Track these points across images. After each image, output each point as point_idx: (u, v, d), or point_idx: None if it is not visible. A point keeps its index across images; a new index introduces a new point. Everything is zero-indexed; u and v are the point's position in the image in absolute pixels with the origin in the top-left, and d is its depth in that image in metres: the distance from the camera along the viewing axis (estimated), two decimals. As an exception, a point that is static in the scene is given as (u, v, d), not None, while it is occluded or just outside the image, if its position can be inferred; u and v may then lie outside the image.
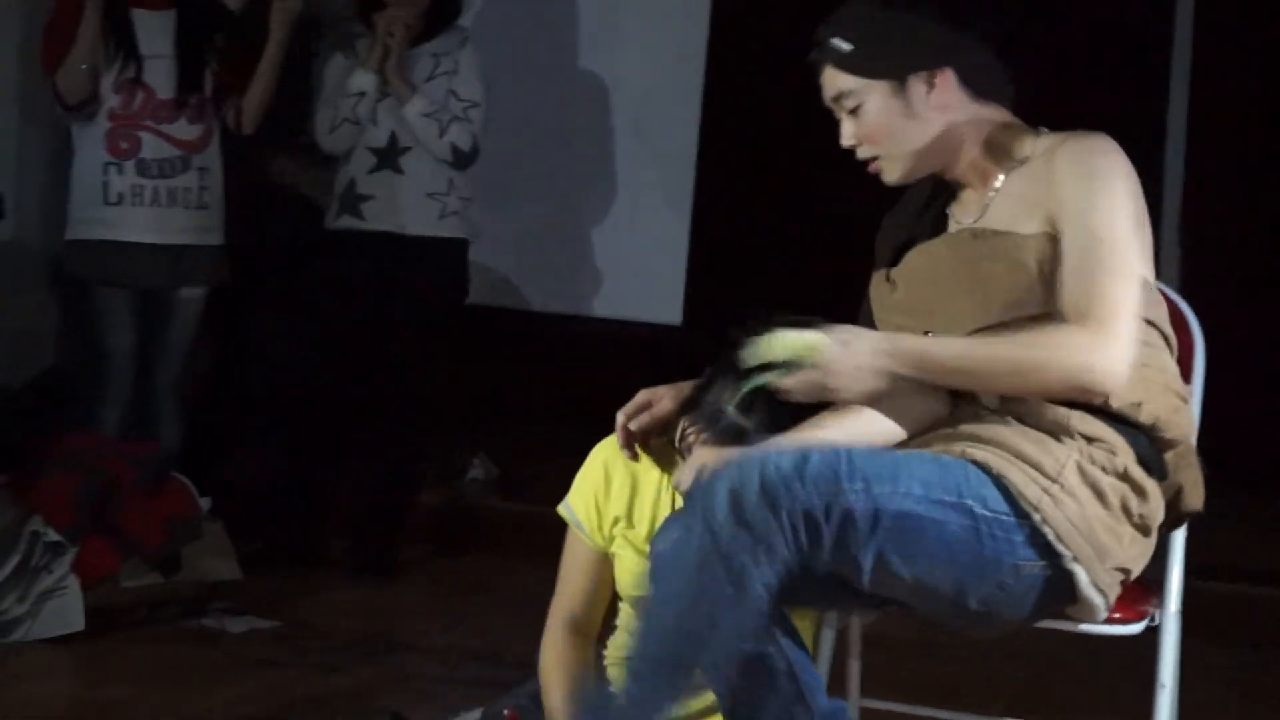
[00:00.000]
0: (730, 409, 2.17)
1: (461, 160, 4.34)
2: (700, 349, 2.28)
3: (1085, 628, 2.21)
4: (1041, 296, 2.13)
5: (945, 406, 2.19)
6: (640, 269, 5.30)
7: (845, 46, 2.22)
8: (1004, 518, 2.05)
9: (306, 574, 4.31)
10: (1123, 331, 2.09)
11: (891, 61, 2.21)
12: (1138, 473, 2.14)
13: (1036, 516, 2.05)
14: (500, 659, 3.56)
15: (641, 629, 2.06)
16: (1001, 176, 2.24)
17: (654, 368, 2.81)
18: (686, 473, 2.17)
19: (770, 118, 5.36)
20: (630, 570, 2.40)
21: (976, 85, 2.24)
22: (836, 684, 2.47)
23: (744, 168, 5.49)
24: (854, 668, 2.68)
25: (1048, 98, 2.46)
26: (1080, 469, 2.09)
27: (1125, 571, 2.14)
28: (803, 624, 2.25)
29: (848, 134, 2.27)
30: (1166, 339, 2.23)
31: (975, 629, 2.18)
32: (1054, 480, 2.07)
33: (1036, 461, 2.08)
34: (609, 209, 5.59)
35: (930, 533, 2.02)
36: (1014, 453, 2.09)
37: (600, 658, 2.47)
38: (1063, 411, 2.12)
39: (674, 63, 4.59)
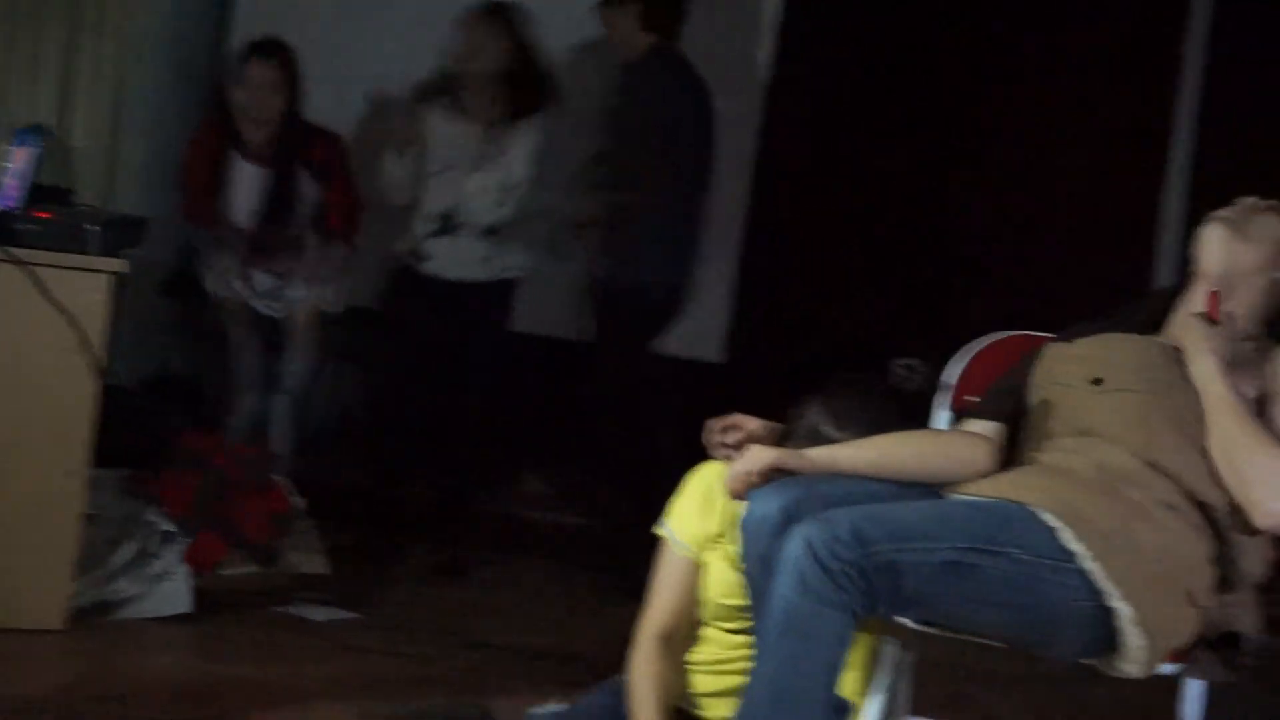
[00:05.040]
0: (826, 427, 2.45)
1: None
2: (740, 389, 2.43)
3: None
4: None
5: (992, 458, 2.44)
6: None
7: None
8: (1046, 560, 2.21)
9: (384, 571, 4.56)
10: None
11: None
12: (1201, 545, 2.29)
13: (1083, 553, 2.20)
14: (569, 658, 3.77)
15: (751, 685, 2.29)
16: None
17: (692, 404, 2.96)
18: (739, 467, 2.39)
19: (826, 159, 5.27)
20: (720, 580, 2.62)
21: None
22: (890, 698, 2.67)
23: (793, 211, 5.41)
24: (903, 685, 2.75)
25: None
26: (1144, 514, 2.25)
27: (1175, 635, 2.28)
28: (862, 638, 2.47)
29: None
30: None
31: (1039, 652, 2.36)
32: (1112, 530, 2.22)
33: (1096, 507, 2.24)
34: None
35: (974, 579, 2.21)
36: (1074, 498, 2.26)
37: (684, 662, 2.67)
38: (1135, 463, 2.31)
39: (730, 98, 4.70)
